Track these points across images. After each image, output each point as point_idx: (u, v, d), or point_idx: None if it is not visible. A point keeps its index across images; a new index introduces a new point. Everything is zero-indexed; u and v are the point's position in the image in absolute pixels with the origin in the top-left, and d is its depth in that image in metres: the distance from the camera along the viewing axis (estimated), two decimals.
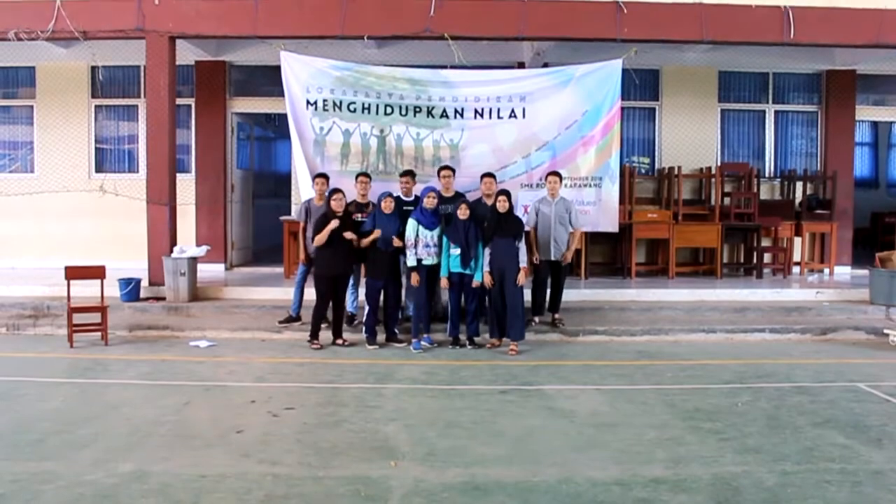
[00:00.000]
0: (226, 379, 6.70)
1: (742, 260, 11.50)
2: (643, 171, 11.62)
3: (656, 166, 11.64)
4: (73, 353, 7.71)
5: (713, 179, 11.14)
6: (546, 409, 5.79)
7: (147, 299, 9.27)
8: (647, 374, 6.93)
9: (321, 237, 7.71)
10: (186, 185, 11.17)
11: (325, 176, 8.51)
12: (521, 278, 7.70)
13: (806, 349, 8.12)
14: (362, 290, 8.28)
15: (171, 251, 9.27)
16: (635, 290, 9.63)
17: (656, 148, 11.67)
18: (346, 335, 8.14)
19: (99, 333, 8.03)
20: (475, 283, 7.82)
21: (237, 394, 6.21)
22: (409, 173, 8.49)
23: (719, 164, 11.46)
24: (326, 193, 8.18)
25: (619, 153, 9.31)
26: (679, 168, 10.89)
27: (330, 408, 5.78)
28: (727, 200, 11.14)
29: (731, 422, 5.47)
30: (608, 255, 11.33)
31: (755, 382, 6.62)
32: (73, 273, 8.10)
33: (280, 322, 8.56)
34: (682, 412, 5.71)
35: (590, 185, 9.25)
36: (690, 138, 11.52)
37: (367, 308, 8.05)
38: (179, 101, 11.25)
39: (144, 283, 9.42)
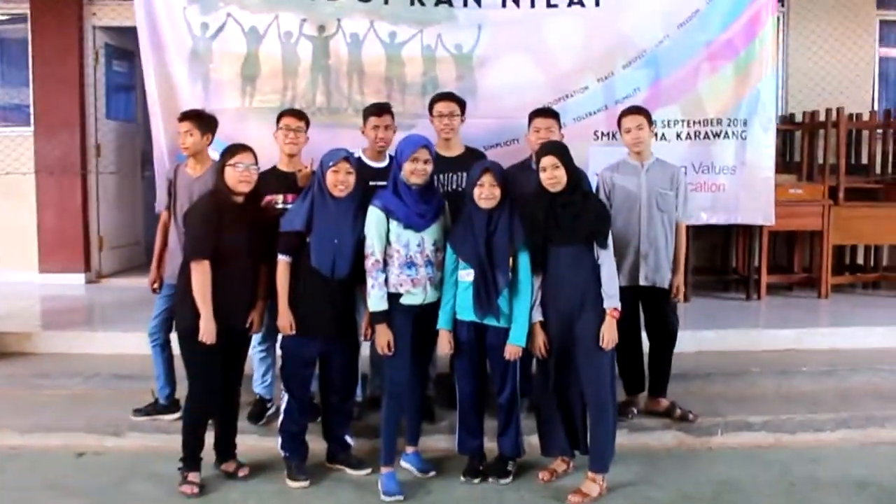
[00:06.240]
0: None
1: None
2: None
3: (778, 110, 7.31)
4: None
5: (880, 132, 6.82)
6: None
7: None
8: None
9: (201, 306, 3.47)
10: (20, 145, 7.02)
11: (200, 117, 4.09)
12: (610, 336, 3.44)
13: None
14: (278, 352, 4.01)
15: None
16: (794, 332, 5.30)
17: (779, 79, 7.32)
18: (247, 443, 3.88)
19: None
20: (511, 351, 3.53)
21: None
22: (385, 109, 4.09)
23: (885, 107, 7.16)
24: (214, 151, 3.96)
25: (774, 76, 5.01)
26: (838, 112, 6.50)
27: None
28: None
29: None
30: (706, 254, 7.09)
31: None
32: None
33: (136, 412, 4.27)
34: None
35: (724, 136, 4.94)
36: (834, 66, 7.20)
37: (285, 397, 3.76)
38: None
39: None
